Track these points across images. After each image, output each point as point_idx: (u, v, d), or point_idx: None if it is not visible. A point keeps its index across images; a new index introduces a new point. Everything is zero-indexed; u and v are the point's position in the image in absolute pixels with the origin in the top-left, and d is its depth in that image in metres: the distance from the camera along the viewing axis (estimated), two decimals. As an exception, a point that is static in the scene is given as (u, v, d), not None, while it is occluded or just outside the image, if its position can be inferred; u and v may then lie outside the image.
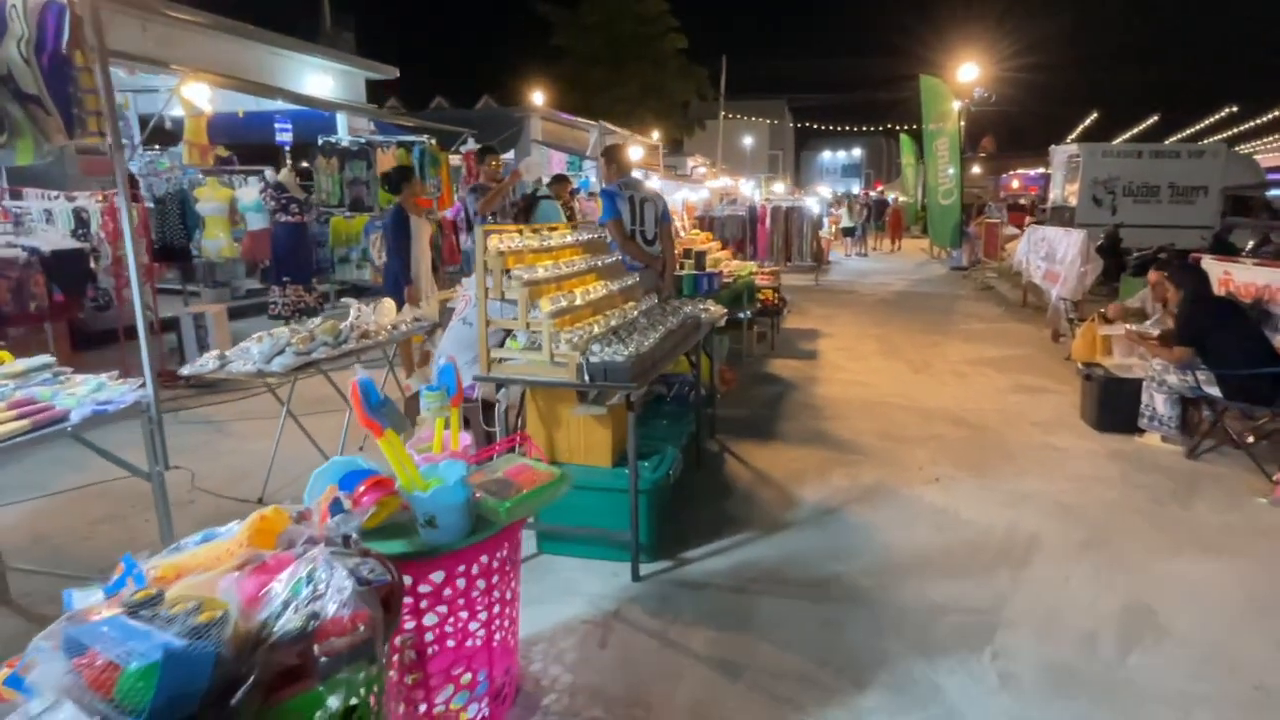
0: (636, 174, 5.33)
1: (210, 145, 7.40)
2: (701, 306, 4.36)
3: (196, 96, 7.13)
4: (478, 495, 2.05)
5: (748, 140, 39.28)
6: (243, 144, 11.96)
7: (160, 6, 8.83)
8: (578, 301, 3.18)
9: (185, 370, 3.50)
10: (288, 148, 11.52)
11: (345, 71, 12.10)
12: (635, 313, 3.60)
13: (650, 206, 4.79)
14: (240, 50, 10.07)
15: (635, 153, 6.58)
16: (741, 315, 7.04)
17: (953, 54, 19.56)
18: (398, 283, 5.57)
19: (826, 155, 58.51)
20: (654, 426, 3.85)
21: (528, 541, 3.29)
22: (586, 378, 2.85)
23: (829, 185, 47.59)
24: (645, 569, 3.13)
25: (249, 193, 7.53)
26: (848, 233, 20.73)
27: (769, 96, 45.18)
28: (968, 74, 19.07)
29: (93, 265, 5.90)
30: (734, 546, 3.35)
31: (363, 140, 10.04)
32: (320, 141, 10.26)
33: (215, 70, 9.50)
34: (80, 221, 5.88)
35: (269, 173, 7.97)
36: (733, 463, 4.43)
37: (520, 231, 3.30)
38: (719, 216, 14.33)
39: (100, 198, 5.96)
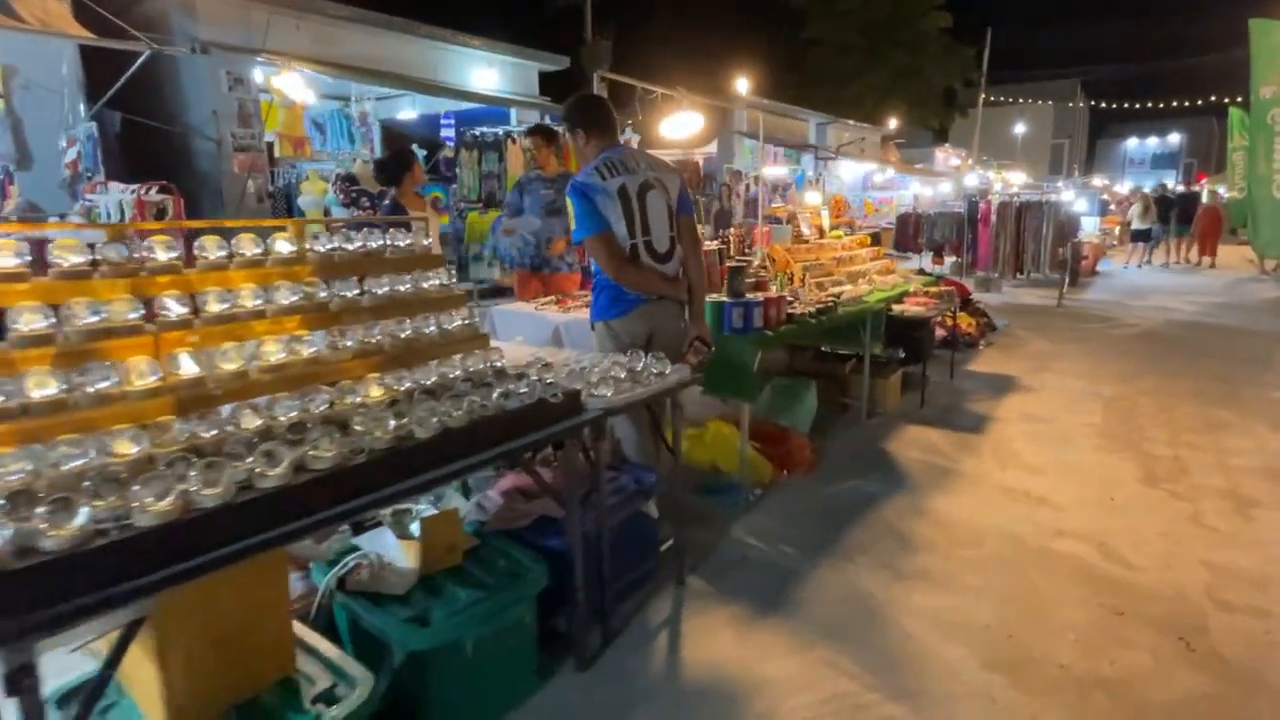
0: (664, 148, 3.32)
1: (306, 138, 6.86)
2: (570, 368, 2.31)
3: (289, 87, 6.54)
4: None
5: (1019, 128, 32.67)
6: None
7: (317, 4, 8.60)
8: (104, 383, 1.42)
9: None
10: (451, 144, 11.08)
11: (516, 64, 11.32)
12: (354, 397, 1.73)
13: (657, 197, 2.78)
14: (400, 46, 9.64)
15: (690, 121, 4.32)
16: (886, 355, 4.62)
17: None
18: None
19: (1132, 143, 47.33)
20: (447, 598, 1.94)
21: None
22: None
23: (1131, 179, 38.28)
24: None
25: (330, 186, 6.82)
26: (1138, 237, 15.56)
27: (1056, 74, 37.57)
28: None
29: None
30: None
31: (499, 131, 9.08)
32: (464, 134, 9.56)
33: (376, 68, 9.19)
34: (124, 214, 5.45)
35: (357, 165, 7.21)
36: (654, 663, 2.32)
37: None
38: (928, 215, 11.18)
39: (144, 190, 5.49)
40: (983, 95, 26.72)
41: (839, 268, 5.48)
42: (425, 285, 2.11)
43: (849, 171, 18.77)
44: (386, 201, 4.50)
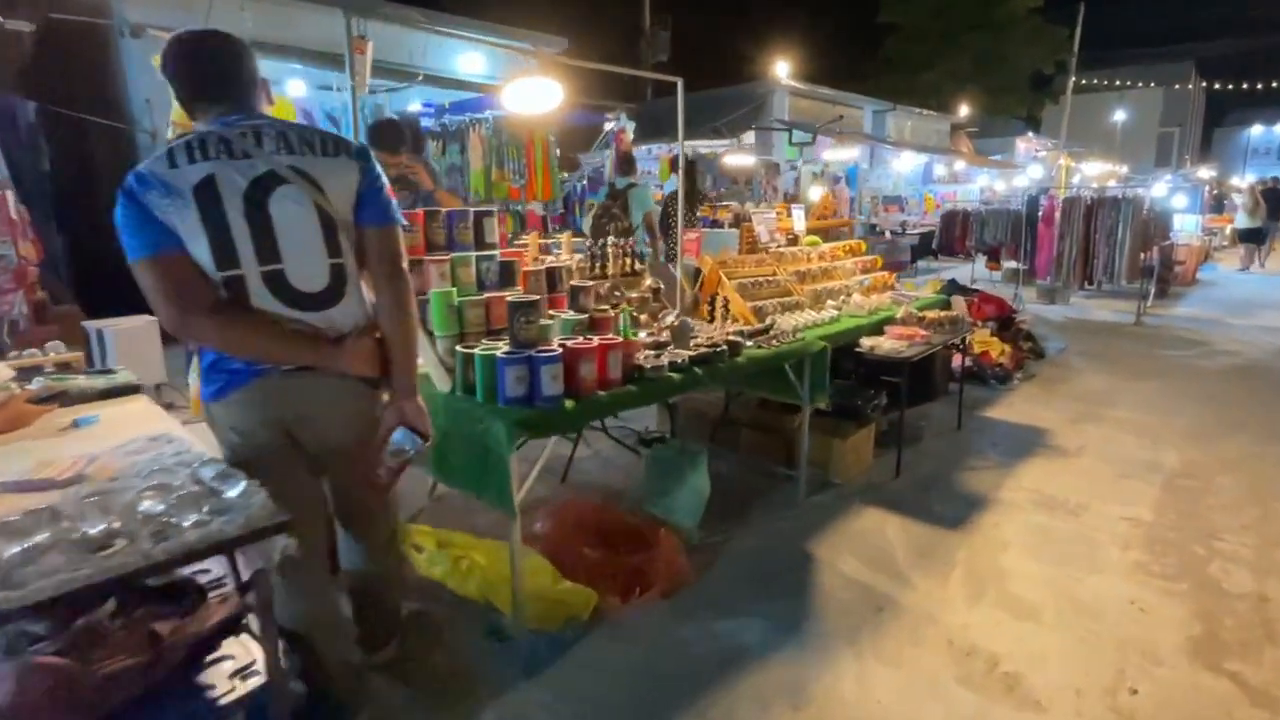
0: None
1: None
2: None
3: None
4: None
5: (1119, 116, 29.22)
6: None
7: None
8: None
9: None
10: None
11: (506, 48, 10.29)
12: None
13: (297, 197, 1.62)
14: (364, 29, 8.78)
15: (542, 91, 2.95)
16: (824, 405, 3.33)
17: None
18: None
19: (1255, 130, 42.18)
20: None
21: None
22: None
23: (1253, 170, 33.97)
24: None
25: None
26: (1247, 237, 13.17)
27: (1166, 53, 33.75)
28: None
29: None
30: None
31: (465, 118, 8.08)
32: (427, 123, 8.63)
33: (337, 52, 8.40)
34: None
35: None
36: None
37: None
38: (978, 212, 9.50)
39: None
40: (1073, 79, 24.06)
41: (802, 285, 4.19)
42: None
43: (908, 162, 16.94)
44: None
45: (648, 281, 3.30)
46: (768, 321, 3.49)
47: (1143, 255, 8.43)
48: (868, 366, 4.03)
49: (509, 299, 2.21)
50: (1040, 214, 8.52)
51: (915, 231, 13.35)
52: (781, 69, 13.94)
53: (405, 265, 1.77)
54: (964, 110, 20.16)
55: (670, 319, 3.13)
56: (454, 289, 2.39)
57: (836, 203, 12.65)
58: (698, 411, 4.26)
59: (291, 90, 8.48)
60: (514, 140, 7.24)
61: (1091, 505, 3.37)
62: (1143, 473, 3.75)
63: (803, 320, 3.61)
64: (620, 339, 2.42)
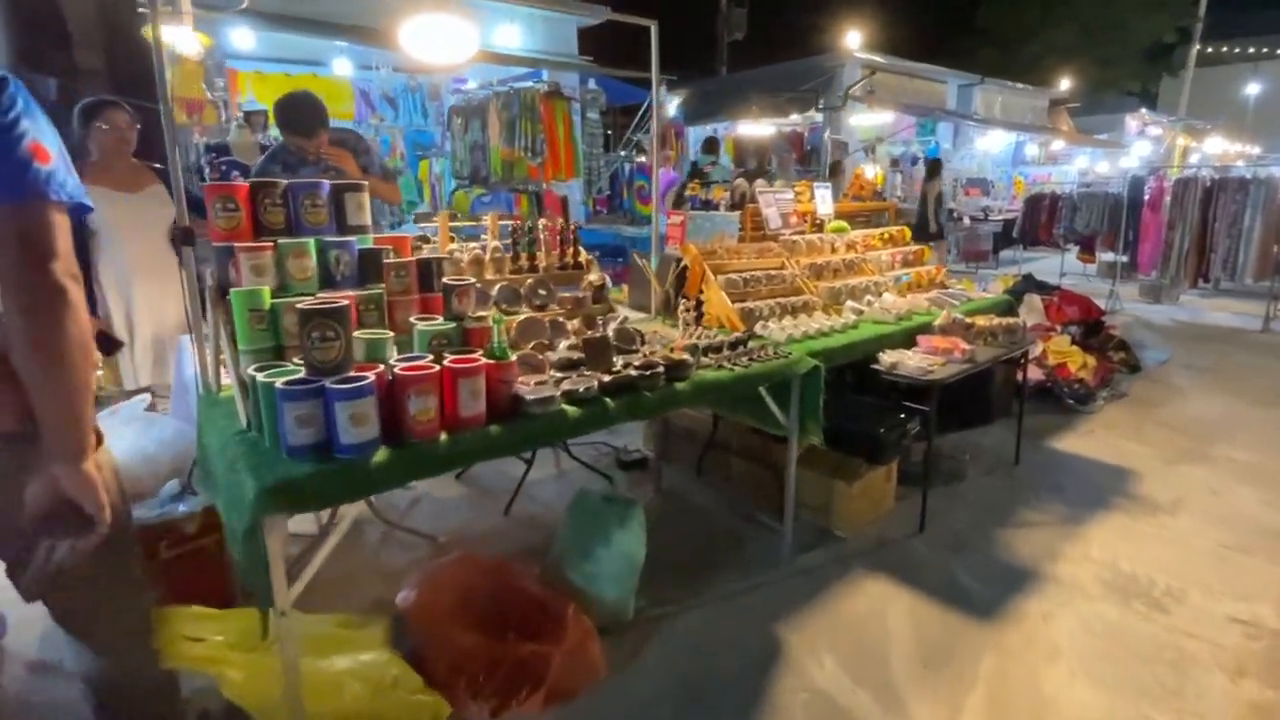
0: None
1: (206, 100, 5.73)
2: None
3: (177, 39, 5.35)
4: None
5: (1252, 88, 25.75)
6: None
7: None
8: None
9: None
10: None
11: (546, 19, 9.64)
12: None
13: None
14: (385, 3, 8.32)
15: (444, 31, 2.28)
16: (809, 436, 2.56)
17: None
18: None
19: None
20: None
21: None
22: None
23: None
24: None
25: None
26: None
27: (1310, 21, 29.59)
28: None
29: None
30: None
31: (487, 92, 7.49)
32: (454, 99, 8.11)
33: (360, 24, 7.98)
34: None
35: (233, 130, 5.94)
36: None
37: None
38: (1068, 196, 8.18)
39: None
40: (1197, 48, 21.31)
41: (818, 282, 3.37)
42: None
43: (996, 141, 15.28)
44: None
45: (591, 276, 2.58)
46: (756, 330, 2.72)
47: (1275, 248, 6.97)
48: (889, 389, 3.19)
49: (298, 306, 1.55)
50: (1146, 198, 7.19)
51: (999, 218, 11.95)
52: (853, 39, 12.67)
53: (51, 265, 1.13)
54: (1064, 84, 18.08)
55: (612, 327, 2.41)
56: (264, 288, 1.75)
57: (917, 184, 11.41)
58: (688, 430, 3.53)
59: (338, 69, 8.12)
60: (528, 112, 6.58)
61: (1188, 595, 2.44)
62: (1267, 544, 2.76)
63: (803, 328, 2.81)
64: (481, 360, 1.73)
